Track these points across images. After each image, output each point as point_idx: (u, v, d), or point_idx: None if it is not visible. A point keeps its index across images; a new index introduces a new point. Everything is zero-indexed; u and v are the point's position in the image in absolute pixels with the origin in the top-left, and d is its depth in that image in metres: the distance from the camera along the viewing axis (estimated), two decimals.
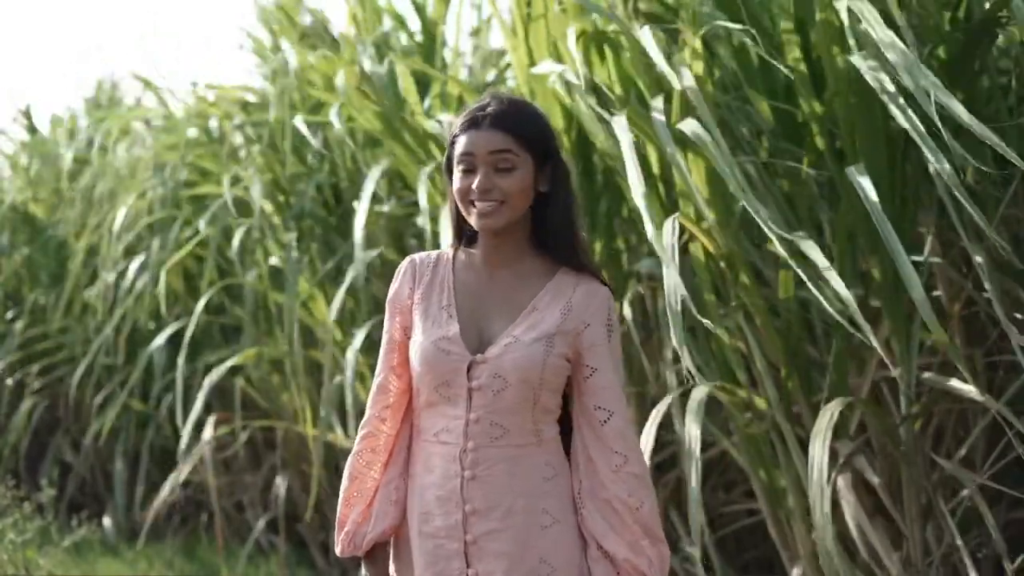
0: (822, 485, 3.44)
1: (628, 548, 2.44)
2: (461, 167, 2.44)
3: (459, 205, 2.47)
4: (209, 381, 6.07)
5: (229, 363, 6.15)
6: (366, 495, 2.55)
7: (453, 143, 2.48)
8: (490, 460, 2.44)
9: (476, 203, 2.42)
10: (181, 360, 6.14)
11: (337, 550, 2.57)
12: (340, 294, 5.17)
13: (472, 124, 2.45)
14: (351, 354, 5.00)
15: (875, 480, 3.87)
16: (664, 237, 3.43)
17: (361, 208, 5.02)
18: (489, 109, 2.44)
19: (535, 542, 2.44)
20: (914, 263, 3.88)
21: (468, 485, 2.44)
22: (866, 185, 3.32)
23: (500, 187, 2.41)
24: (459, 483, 2.44)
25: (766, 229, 3.26)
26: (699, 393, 3.74)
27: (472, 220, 2.45)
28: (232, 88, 6.79)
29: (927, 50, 3.66)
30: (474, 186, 2.41)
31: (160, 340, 6.65)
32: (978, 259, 3.55)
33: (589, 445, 2.47)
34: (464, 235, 2.56)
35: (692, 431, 3.63)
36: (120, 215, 7.05)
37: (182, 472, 6.26)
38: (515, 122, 2.44)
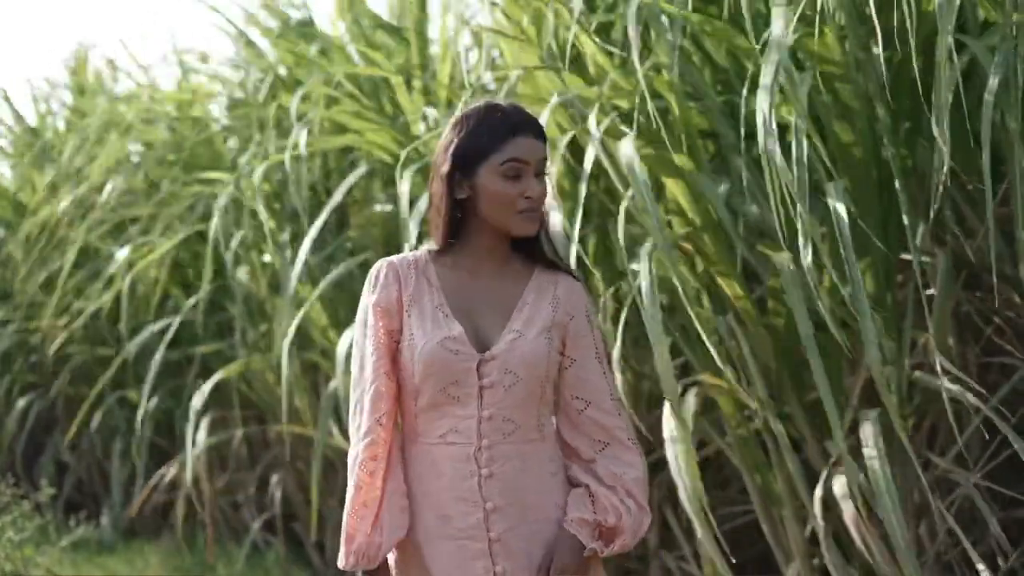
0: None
1: (611, 494, 2.46)
2: (510, 173, 2.43)
3: (495, 210, 2.44)
4: (208, 385, 6.07)
5: (214, 379, 6.09)
6: (373, 506, 2.48)
7: (488, 148, 2.44)
8: (504, 456, 2.45)
9: (524, 210, 2.44)
10: (158, 355, 6.14)
11: (342, 564, 2.49)
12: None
13: (517, 130, 2.45)
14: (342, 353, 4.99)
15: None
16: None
17: (327, 209, 5.02)
18: (524, 116, 2.47)
19: (552, 538, 2.46)
20: (906, 260, 3.88)
21: (486, 483, 2.44)
22: (841, 209, 3.29)
23: (542, 194, 2.47)
24: (476, 482, 2.44)
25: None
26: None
27: (511, 224, 2.45)
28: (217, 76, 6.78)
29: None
30: (529, 194, 2.43)
31: (162, 348, 6.61)
32: (926, 259, 3.54)
33: (567, 433, 2.52)
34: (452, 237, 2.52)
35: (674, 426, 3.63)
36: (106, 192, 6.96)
37: (171, 470, 6.26)
38: (542, 129, 2.50)
